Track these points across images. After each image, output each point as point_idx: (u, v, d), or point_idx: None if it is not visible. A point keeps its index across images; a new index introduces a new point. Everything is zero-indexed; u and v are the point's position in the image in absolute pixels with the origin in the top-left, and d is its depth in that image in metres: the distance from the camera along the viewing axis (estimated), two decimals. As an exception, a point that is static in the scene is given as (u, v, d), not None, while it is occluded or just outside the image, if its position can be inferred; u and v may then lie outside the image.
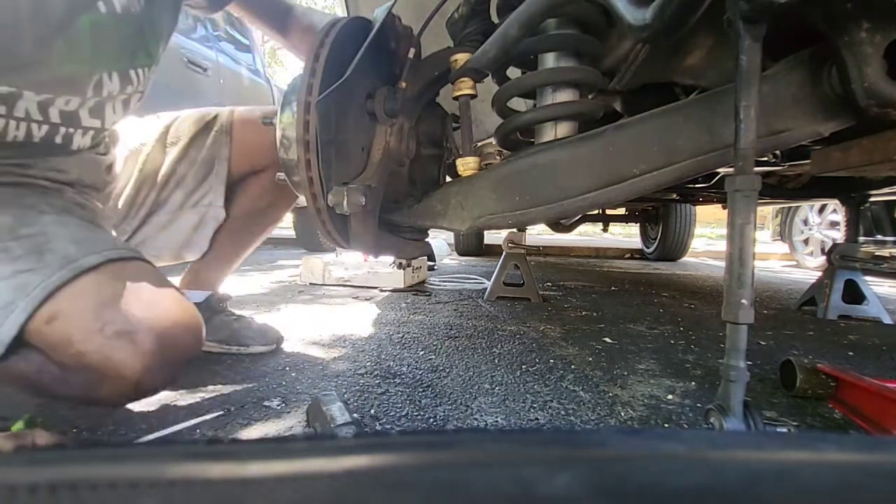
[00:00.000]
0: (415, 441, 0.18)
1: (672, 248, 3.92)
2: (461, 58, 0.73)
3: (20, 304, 0.58)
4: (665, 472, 0.15)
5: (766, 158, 1.33)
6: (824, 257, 1.99)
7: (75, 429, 0.67)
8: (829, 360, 1.07)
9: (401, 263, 2.03)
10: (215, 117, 0.99)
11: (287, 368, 0.96)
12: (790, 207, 4.05)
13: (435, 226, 0.80)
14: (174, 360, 0.64)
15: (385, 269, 2.05)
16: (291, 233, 4.22)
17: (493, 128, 0.83)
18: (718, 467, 0.16)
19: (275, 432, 0.69)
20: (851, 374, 0.81)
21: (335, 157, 0.66)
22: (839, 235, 2.85)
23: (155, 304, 0.63)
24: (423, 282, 2.25)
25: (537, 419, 0.77)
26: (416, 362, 1.03)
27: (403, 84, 0.72)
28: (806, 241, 4.02)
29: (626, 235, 8.34)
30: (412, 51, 0.73)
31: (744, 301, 0.51)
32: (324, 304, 1.69)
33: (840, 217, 2.90)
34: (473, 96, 0.74)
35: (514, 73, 0.81)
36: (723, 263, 0.54)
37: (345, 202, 0.65)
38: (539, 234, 6.75)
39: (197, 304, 1.03)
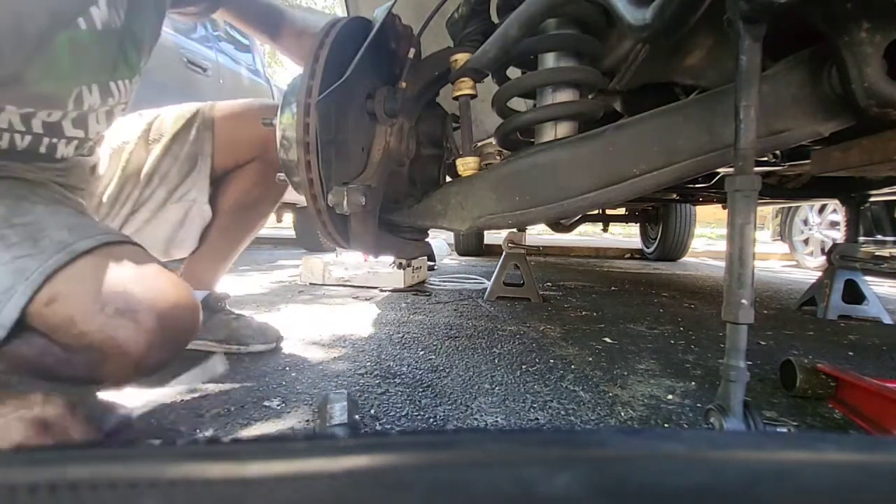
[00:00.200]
0: (415, 441, 0.18)
1: (672, 248, 3.92)
2: (461, 58, 0.73)
3: (19, 288, 0.58)
4: (665, 472, 0.15)
5: (766, 158, 1.33)
6: (824, 257, 1.99)
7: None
8: (829, 360, 1.07)
9: (401, 263, 2.03)
10: (196, 113, 0.98)
11: (287, 368, 0.96)
12: (790, 207, 4.05)
13: (435, 226, 0.80)
14: (174, 339, 0.64)
15: (385, 269, 2.05)
16: (291, 233, 4.22)
17: (493, 128, 0.83)
18: (718, 467, 0.16)
19: (275, 432, 0.69)
20: (851, 374, 0.81)
21: (335, 157, 0.66)
22: (839, 235, 2.86)
23: (153, 284, 0.64)
24: (423, 282, 2.25)
25: (537, 419, 0.77)
26: (416, 362, 1.03)
27: (403, 84, 0.72)
28: (806, 241, 4.02)
29: (626, 235, 8.34)
30: (412, 51, 0.73)
31: (744, 301, 0.51)
32: (324, 304, 1.68)
33: (840, 217, 2.90)
34: (473, 96, 0.74)
35: (514, 73, 0.81)
36: (723, 263, 0.54)
37: (345, 202, 0.65)
38: (539, 234, 6.76)
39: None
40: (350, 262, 2.13)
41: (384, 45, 0.74)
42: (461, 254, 3.96)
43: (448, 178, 0.90)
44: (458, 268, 2.95)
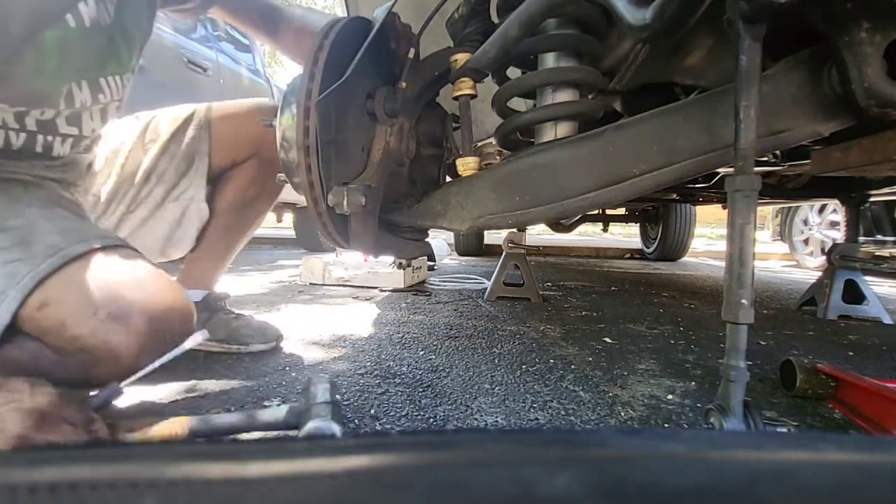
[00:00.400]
0: (415, 441, 0.18)
1: (672, 248, 3.92)
2: (461, 58, 0.73)
3: (10, 292, 0.58)
4: (665, 472, 0.15)
5: (766, 158, 1.33)
6: (824, 257, 1.99)
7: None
8: (829, 360, 1.07)
9: (401, 263, 2.03)
10: (193, 113, 0.98)
11: (287, 368, 0.96)
12: (790, 207, 4.05)
13: (435, 226, 0.80)
14: (166, 342, 0.65)
15: (385, 269, 2.05)
16: (291, 233, 4.22)
17: (493, 128, 0.83)
18: (718, 467, 0.16)
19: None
20: (851, 374, 0.81)
21: (335, 157, 0.66)
22: (839, 235, 2.86)
23: (145, 287, 0.64)
24: (423, 282, 2.25)
25: (537, 419, 0.77)
26: (416, 362, 1.03)
27: (403, 84, 0.72)
28: (806, 241, 4.02)
29: (626, 235, 8.34)
30: (412, 51, 0.73)
31: (744, 301, 0.51)
32: (324, 304, 1.68)
33: (840, 217, 2.90)
34: (473, 96, 0.74)
35: (514, 73, 0.81)
36: (723, 263, 0.54)
37: (345, 202, 0.65)
38: (539, 234, 6.76)
39: (195, 304, 1.03)
40: (350, 262, 2.13)
41: (384, 45, 0.74)
42: (461, 254, 3.96)
43: (448, 178, 0.90)
44: (458, 268, 2.95)
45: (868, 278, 1.77)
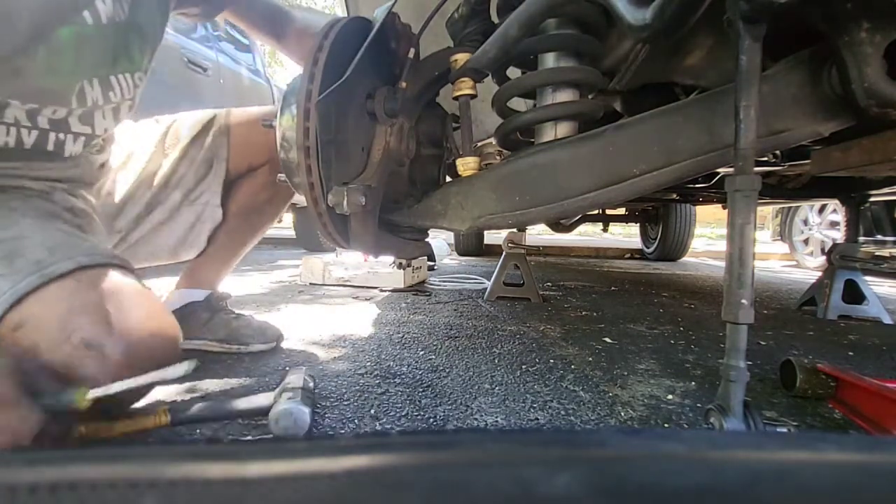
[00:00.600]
0: (415, 441, 0.18)
1: (672, 248, 3.92)
2: (461, 58, 0.73)
3: None
4: (665, 472, 0.15)
5: (766, 158, 1.33)
6: (824, 257, 1.99)
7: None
8: (829, 360, 1.07)
9: (401, 263, 2.03)
10: (213, 118, 1.00)
11: (287, 368, 0.96)
12: (790, 207, 4.05)
13: (435, 226, 0.80)
14: (145, 370, 0.59)
15: (385, 269, 2.05)
16: (291, 233, 4.22)
17: (493, 128, 0.83)
18: (718, 467, 0.16)
19: (271, 435, 0.69)
20: (851, 374, 0.81)
21: (335, 157, 0.66)
22: (839, 235, 2.86)
23: (126, 313, 0.60)
24: (423, 282, 2.25)
25: (537, 419, 0.77)
26: (416, 362, 1.03)
27: (403, 84, 0.72)
28: (806, 241, 4.02)
29: (626, 235, 8.34)
30: (412, 51, 0.73)
31: (744, 301, 0.51)
32: (324, 304, 1.68)
33: (840, 217, 2.90)
34: (473, 96, 0.74)
35: (514, 73, 0.81)
36: (723, 263, 0.54)
37: (345, 202, 0.65)
38: (539, 234, 6.76)
39: (196, 304, 1.03)
40: (350, 262, 2.12)
41: (384, 46, 0.74)
42: (461, 254, 3.96)
43: (448, 178, 0.90)
44: (458, 268, 2.95)
45: (868, 278, 1.77)
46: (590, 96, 0.78)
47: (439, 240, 3.88)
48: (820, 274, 1.82)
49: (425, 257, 1.41)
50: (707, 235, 8.77)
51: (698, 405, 0.84)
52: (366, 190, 0.66)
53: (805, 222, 4.01)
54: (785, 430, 0.74)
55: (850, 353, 1.24)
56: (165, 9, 0.82)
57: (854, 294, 1.70)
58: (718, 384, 0.54)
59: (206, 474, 0.15)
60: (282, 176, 0.72)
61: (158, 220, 0.95)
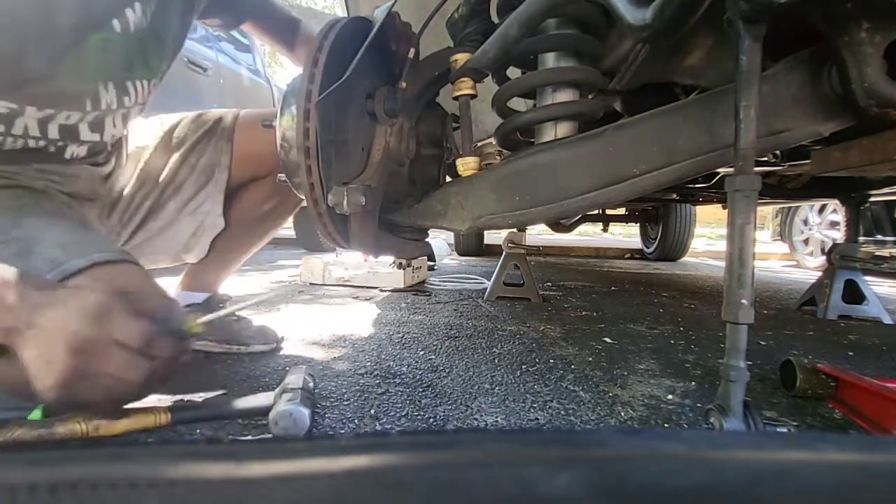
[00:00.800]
0: (415, 441, 0.18)
1: (672, 248, 3.92)
2: (461, 58, 0.73)
3: None
4: (665, 472, 0.15)
5: (766, 158, 1.33)
6: (824, 257, 1.99)
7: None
8: (829, 360, 1.07)
9: (401, 263, 2.03)
10: (219, 121, 0.98)
11: (287, 368, 0.96)
12: (790, 207, 4.05)
13: (435, 226, 0.80)
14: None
15: (385, 269, 2.05)
16: (291, 233, 4.21)
17: (493, 128, 0.83)
18: (718, 467, 0.16)
19: (269, 435, 0.69)
20: (851, 374, 0.81)
21: (335, 157, 0.66)
22: (839, 235, 2.85)
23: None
24: (423, 282, 2.25)
25: (537, 419, 0.77)
26: (416, 362, 1.03)
27: (403, 84, 0.72)
28: (806, 241, 4.02)
29: (626, 235, 8.34)
30: (412, 51, 0.73)
31: (744, 301, 0.51)
32: (324, 304, 1.68)
33: (840, 217, 2.90)
34: (473, 96, 0.74)
35: (514, 73, 0.81)
36: (723, 263, 0.54)
37: (345, 202, 0.65)
38: (539, 234, 6.75)
39: (197, 306, 1.03)
40: (350, 262, 2.12)
41: (384, 46, 0.74)
42: (461, 254, 3.96)
43: (448, 178, 0.90)
44: (458, 268, 2.95)
45: (868, 278, 1.77)
46: (590, 96, 0.78)
47: (439, 240, 3.88)
48: (820, 274, 1.82)
49: (425, 257, 1.41)
50: (707, 235, 8.77)
51: (698, 405, 0.84)
52: (366, 190, 0.66)
53: (805, 222, 4.00)
54: (785, 430, 0.74)
55: (850, 353, 1.24)
56: (188, 18, 0.82)
57: (854, 294, 1.70)
58: (718, 384, 0.54)
59: (206, 474, 0.15)
60: (282, 176, 0.72)
61: (159, 227, 0.95)
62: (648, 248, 4.27)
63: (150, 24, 0.71)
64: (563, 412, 0.79)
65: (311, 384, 0.77)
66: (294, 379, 0.75)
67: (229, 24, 0.94)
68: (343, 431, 0.70)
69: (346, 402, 0.79)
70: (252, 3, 0.95)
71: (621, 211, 4.17)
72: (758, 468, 0.15)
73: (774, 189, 1.77)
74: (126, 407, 0.63)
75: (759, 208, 2.69)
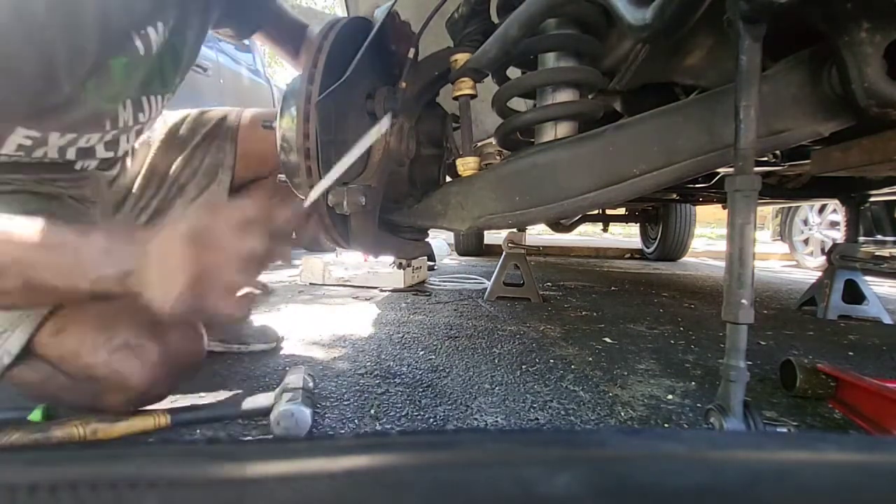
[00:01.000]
0: (415, 441, 0.18)
1: (672, 248, 3.92)
2: (461, 58, 0.73)
3: (26, 317, 0.58)
4: (665, 472, 0.15)
5: (766, 158, 1.33)
6: (824, 257, 1.99)
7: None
8: (829, 360, 1.07)
9: (401, 263, 2.03)
10: (223, 120, 0.97)
11: (287, 368, 0.96)
12: (790, 207, 4.05)
13: (435, 226, 0.80)
14: (178, 371, 0.65)
15: (385, 269, 2.05)
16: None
17: (493, 128, 0.83)
18: (718, 467, 0.16)
19: (270, 436, 0.69)
20: (851, 374, 0.81)
21: (335, 157, 0.66)
22: (839, 235, 2.85)
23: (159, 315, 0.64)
24: (423, 282, 2.25)
25: (537, 419, 0.77)
26: (416, 362, 1.03)
27: (403, 84, 0.72)
28: (806, 241, 4.02)
29: (626, 235, 8.33)
30: (412, 51, 0.73)
31: (744, 301, 0.51)
32: (324, 304, 1.68)
33: (840, 217, 2.89)
34: (473, 96, 0.74)
35: (514, 73, 0.81)
36: (723, 263, 0.54)
37: (345, 202, 0.65)
38: (539, 234, 6.75)
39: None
40: (350, 262, 2.12)
41: (384, 46, 0.74)
42: (461, 254, 3.96)
43: (448, 178, 0.90)
44: (458, 268, 2.95)
45: (868, 278, 1.77)
46: (590, 96, 0.78)
47: (439, 240, 3.88)
48: (820, 274, 1.82)
49: (425, 257, 1.41)
50: (707, 235, 8.77)
51: (698, 405, 0.84)
52: (366, 190, 0.66)
53: (805, 222, 4.00)
54: (785, 430, 0.74)
55: (850, 353, 1.24)
56: (204, 31, 0.82)
57: (854, 294, 1.70)
58: (718, 384, 0.54)
59: (206, 474, 0.15)
60: (282, 176, 0.72)
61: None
62: (648, 248, 4.26)
63: (168, 39, 0.71)
64: (563, 412, 0.79)
65: (311, 384, 0.77)
66: (294, 379, 0.75)
67: (242, 33, 0.94)
68: (343, 431, 0.70)
69: (346, 402, 0.79)
70: (264, 12, 0.95)
71: (621, 211, 4.17)
72: (758, 468, 0.15)
73: (774, 189, 1.77)
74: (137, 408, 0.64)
75: (759, 208, 2.69)
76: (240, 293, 0.51)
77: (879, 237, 3.41)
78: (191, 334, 0.66)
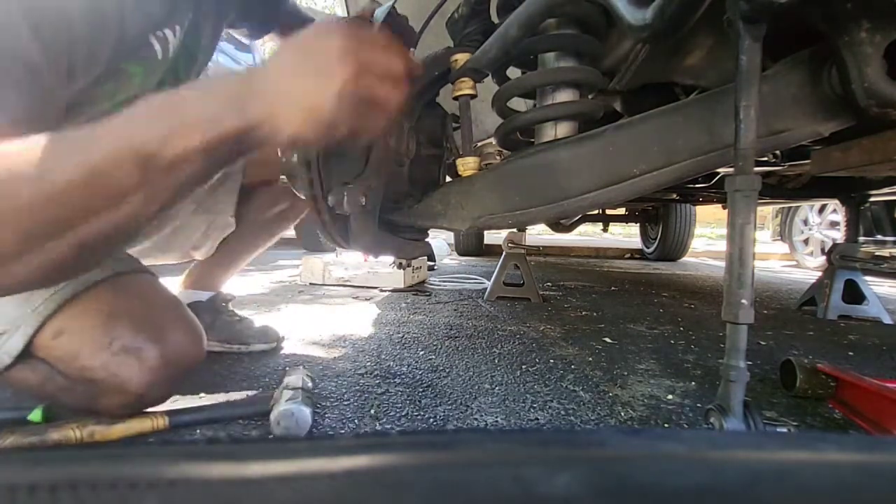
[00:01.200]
0: (415, 441, 0.18)
1: (672, 248, 3.92)
2: (461, 58, 0.73)
3: (27, 319, 0.58)
4: (665, 472, 0.15)
5: (766, 158, 1.33)
6: (824, 257, 1.99)
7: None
8: (829, 360, 1.07)
9: (401, 263, 2.03)
10: None
11: (287, 368, 0.96)
12: (790, 207, 4.05)
13: (435, 226, 0.80)
14: (176, 374, 0.65)
15: (385, 269, 2.05)
16: (291, 233, 4.21)
17: (493, 128, 0.83)
18: (718, 467, 0.16)
19: (270, 435, 0.69)
20: (851, 374, 0.81)
21: (335, 157, 0.66)
22: (839, 235, 2.85)
23: (159, 319, 0.64)
24: (423, 282, 2.25)
25: (537, 419, 0.77)
26: (416, 362, 1.03)
27: (403, 84, 0.72)
28: (806, 241, 4.02)
29: (626, 235, 8.33)
30: (411, 50, 0.73)
31: (744, 301, 0.51)
32: (324, 304, 1.68)
33: (840, 217, 2.90)
34: (473, 96, 0.74)
35: (514, 73, 0.81)
36: (723, 263, 0.54)
37: (345, 202, 0.65)
38: (539, 234, 6.75)
39: (200, 304, 1.03)
40: (350, 262, 2.12)
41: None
42: (461, 254, 3.96)
43: (448, 178, 0.90)
44: (458, 268, 2.95)
45: (868, 278, 1.77)
46: (590, 96, 0.78)
47: (439, 240, 3.88)
48: (820, 274, 1.82)
49: (425, 257, 1.41)
50: (707, 235, 8.76)
51: (698, 405, 0.84)
52: (366, 190, 0.66)
53: (805, 222, 4.00)
54: (785, 430, 0.74)
55: (850, 353, 1.24)
56: (218, 31, 0.82)
57: (854, 294, 1.70)
58: (718, 384, 0.54)
59: (206, 474, 0.15)
60: (283, 177, 0.72)
61: (176, 225, 0.96)
62: (648, 248, 4.26)
63: (183, 40, 0.71)
64: (563, 412, 0.79)
65: (311, 384, 0.77)
66: (293, 379, 0.75)
67: (256, 33, 0.94)
68: (343, 431, 0.70)
69: (346, 402, 0.79)
70: (278, 11, 0.95)
71: (621, 211, 4.17)
72: (758, 468, 0.15)
73: (774, 189, 1.77)
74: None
75: (759, 208, 2.69)
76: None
77: (879, 237, 3.41)
78: (191, 336, 0.66)
